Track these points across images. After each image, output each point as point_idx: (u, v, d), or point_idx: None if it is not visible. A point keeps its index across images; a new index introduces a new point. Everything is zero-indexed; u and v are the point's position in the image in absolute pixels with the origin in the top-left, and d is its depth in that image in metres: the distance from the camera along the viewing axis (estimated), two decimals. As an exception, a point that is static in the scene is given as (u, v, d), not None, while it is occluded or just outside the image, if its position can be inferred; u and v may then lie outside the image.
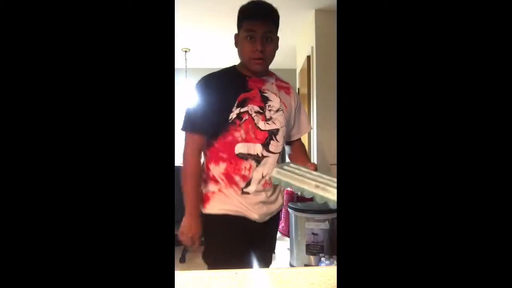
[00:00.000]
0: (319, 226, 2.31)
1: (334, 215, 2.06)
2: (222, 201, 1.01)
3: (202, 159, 1.07)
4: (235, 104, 0.99)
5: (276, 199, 1.08)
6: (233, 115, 0.99)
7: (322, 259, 2.08)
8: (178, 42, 3.43)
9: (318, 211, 2.04)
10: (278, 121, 1.04)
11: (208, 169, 1.03)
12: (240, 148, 1.00)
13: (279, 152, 1.03)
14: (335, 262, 2.02)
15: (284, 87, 1.12)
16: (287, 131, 1.10)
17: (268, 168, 1.00)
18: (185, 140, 1.00)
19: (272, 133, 1.03)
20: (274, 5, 0.98)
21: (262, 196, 1.01)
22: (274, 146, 1.03)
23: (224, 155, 1.00)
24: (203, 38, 3.38)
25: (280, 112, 1.04)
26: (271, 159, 1.00)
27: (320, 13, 2.60)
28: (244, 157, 1.00)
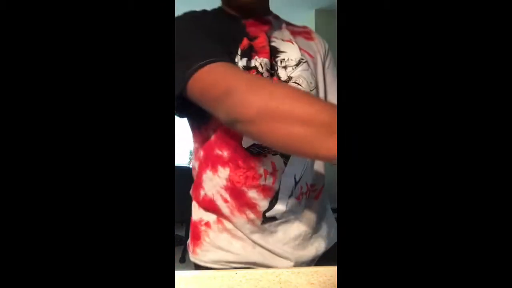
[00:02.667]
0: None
1: (334, 214, 2.05)
2: (224, 244, 0.60)
3: (192, 163, 0.66)
4: (238, 53, 0.57)
5: (321, 227, 0.64)
6: None
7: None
8: (178, 42, 3.42)
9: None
10: (303, 80, 0.60)
11: (200, 181, 0.62)
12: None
13: None
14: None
15: (300, 31, 0.71)
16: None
17: (302, 165, 0.59)
18: (210, 77, 0.49)
19: None
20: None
21: (301, 223, 0.60)
22: None
23: (225, 153, 0.57)
24: (203, 38, 3.37)
25: (303, 66, 0.61)
26: None
27: (320, 13, 2.60)
28: (261, 151, 0.56)
